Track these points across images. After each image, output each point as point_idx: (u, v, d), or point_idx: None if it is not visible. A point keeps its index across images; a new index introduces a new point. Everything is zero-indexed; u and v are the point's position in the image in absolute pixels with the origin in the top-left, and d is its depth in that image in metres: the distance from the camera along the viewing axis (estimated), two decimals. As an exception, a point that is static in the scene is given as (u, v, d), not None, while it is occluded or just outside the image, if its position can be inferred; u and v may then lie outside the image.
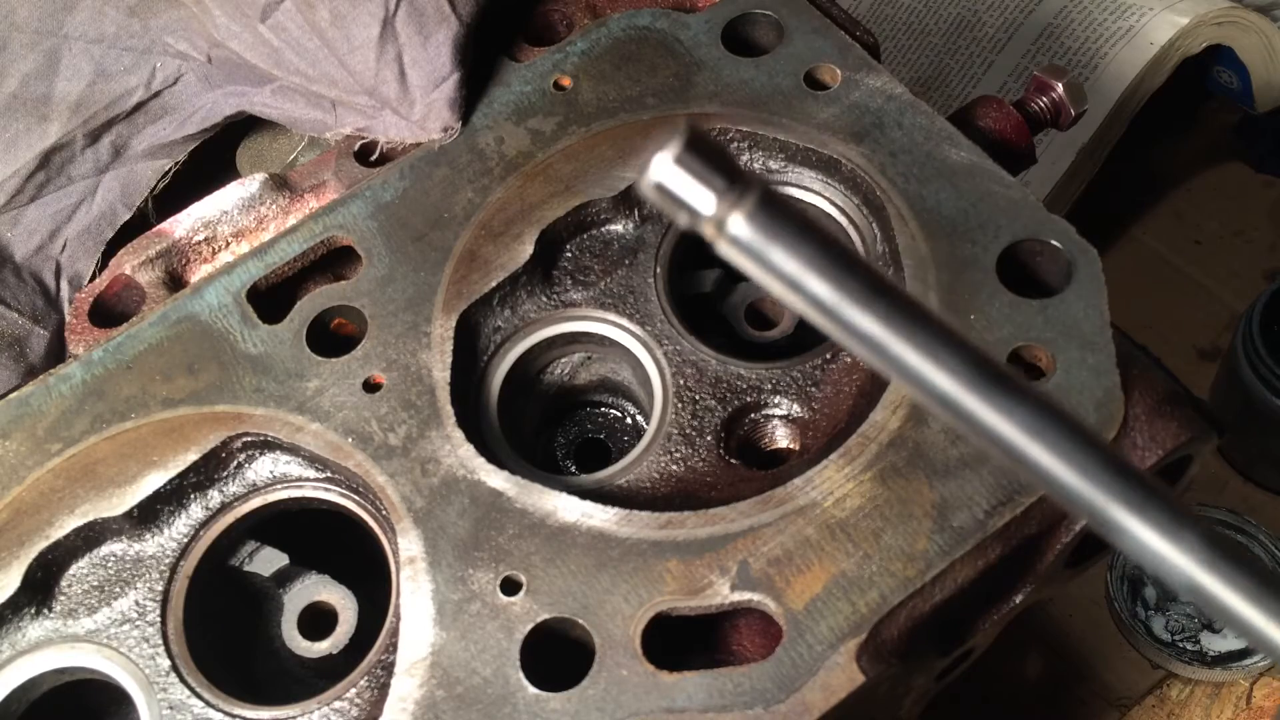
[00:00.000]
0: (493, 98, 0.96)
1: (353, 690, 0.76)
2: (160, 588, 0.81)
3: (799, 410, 0.85)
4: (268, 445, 0.84)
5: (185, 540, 0.83)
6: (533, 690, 0.72)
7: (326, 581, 0.89)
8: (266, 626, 0.90)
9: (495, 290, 0.88)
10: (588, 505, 0.77)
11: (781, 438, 0.86)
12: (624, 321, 0.89)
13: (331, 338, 0.89)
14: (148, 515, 0.82)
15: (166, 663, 0.79)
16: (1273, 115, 1.75)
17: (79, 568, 0.82)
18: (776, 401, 0.85)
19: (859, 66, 0.93)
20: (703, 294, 0.94)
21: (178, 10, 0.97)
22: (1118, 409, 0.76)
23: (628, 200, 0.92)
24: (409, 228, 0.91)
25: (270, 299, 0.90)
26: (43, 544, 0.80)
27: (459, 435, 0.81)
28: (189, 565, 0.82)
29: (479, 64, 0.97)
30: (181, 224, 0.94)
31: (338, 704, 0.76)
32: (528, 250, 0.89)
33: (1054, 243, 0.82)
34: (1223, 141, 1.86)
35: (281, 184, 0.96)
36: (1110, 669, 1.48)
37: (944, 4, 1.79)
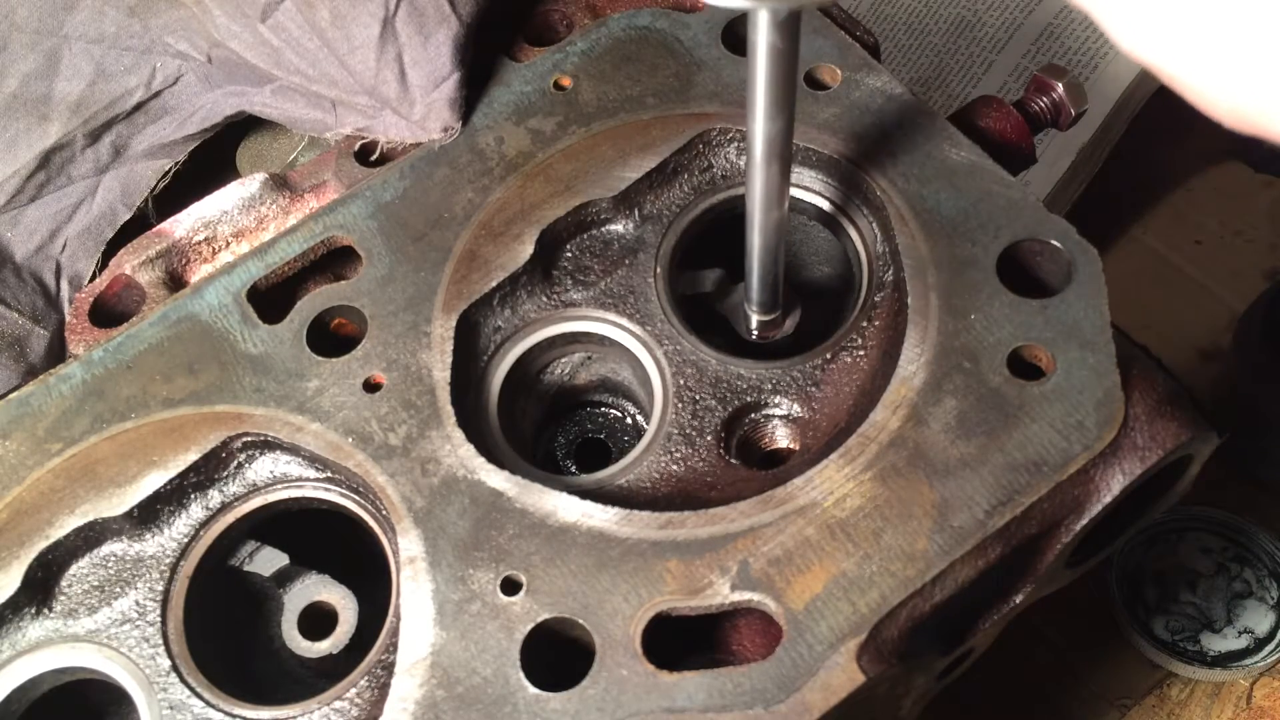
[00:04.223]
0: (493, 98, 0.96)
1: (353, 690, 0.76)
2: (160, 588, 0.81)
3: (799, 410, 0.85)
4: (268, 445, 0.84)
5: (185, 540, 0.83)
6: (533, 690, 0.72)
7: (326, 581, 0.89)
8: (266, 626, 0.90)
9: (495, 290, 0.88)
10: (588, 505, 0.77)
11: (781, 438, 0.86)
12: (624, 321, 0.89)
13: (331, 338, 0.89)
14: (148, 515, 0.82)
15: (166, 663, 0.79)
16: (1273, 115, 1.75)
17: (79, 568, 0.82)
18: (776, 401, 0.85)
19: (859, 66, 0.93)
20: (703, 294, 0.94)
21: (178, 10, 0.97)
22: (1118, 409, 0.76)
23: (628, 200, 0.91)
24: (409, 228, 0.91)
25: (270, 299, 0.90)
26: (43, 544, 0.80)
27: (459, 435, 0.81)
28: (189, 565, 0.82)
29: (479, 64, 0.97)
30: (181, 224, 0.95)
31: (338, 704, 0.76)
32: (528, 250, 0.89)
33: (1054, 243, 0.82)
34: (1223, 141, 1.85)
35: (281, 184, 0.96)
36: (1110, 669, 1.48)
37: (944, 4, 1.79)
